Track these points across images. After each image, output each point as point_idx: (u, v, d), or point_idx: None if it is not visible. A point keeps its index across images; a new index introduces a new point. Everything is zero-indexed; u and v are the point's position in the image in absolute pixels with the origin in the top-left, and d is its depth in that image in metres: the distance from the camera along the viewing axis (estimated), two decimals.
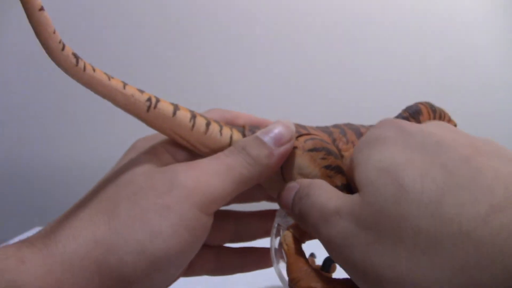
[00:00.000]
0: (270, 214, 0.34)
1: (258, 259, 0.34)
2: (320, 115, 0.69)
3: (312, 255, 0.37)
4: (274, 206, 0.33)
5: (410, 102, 0.35)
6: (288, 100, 0.80)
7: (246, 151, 0.25)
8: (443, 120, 0.35)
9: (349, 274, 0.20)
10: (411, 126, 0.22)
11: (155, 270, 0.22)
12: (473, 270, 0.15)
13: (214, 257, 0.33)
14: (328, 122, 0.32)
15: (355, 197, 0.20)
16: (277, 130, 0.26)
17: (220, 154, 0.26)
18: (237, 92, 0.81)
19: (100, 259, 0.22)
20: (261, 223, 0.34)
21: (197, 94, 0.80)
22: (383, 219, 0.18)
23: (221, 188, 0.24)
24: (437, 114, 0.35)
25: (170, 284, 0.26)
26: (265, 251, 0.34)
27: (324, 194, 0.22)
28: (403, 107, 0.35)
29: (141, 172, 0.25)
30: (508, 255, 0.15)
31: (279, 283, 0.29)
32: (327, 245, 0.21)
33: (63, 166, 0.84)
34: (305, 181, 0.25)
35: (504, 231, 0.15)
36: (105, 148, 0.81)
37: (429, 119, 0.34)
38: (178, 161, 0.27)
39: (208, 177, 0.24)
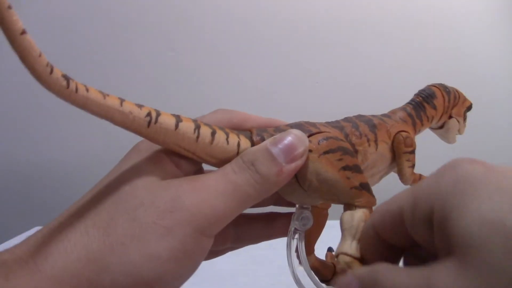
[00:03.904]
0: (274, 216, 0.32)
1: (286, 226, 0.31)
2: (326, 112, 0.72)
3: (330, 249, 0.36)
4: (280, 209, 0.32)
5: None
6: (292, 99, 0.81)
7: (255, 168, 0.24)
8: (458, 100, 0.34)
9: None
10: (489, 164, 0.19)
11: None
12: None
13: (233, 227, 0.31)
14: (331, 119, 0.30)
15: (447, 263, 0.17)
16: (287, 141, 0.24)
17: (228, 170, 0.24)
18: (240, 92, 0.81)
19: (93, 277, 0.20)
20: (263, 227, 0.32)
21: (200, 95, 0.81)
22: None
23: (226, 210, 0.23)
24: (452, 95, 0.33)
25: None
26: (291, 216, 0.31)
27: (398, 276, 0.18)
28: (403, 100, 0.33)
29: (143, 185, 0.23)
30: None
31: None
32: None
33: (63, 165, 0.83)
34: (363, 271, 0.21)
35: None
36: (104, 147, 0.81)
37: (444, 101, 0.33)
38: (182, 170, 0.25)
39: (213, 199, 0.23)
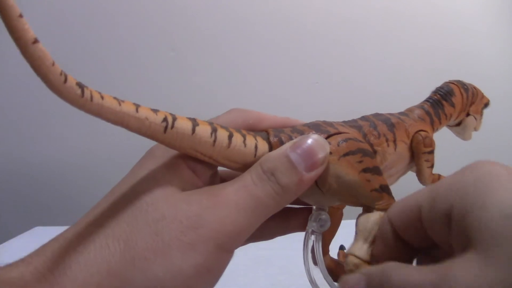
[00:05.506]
0: (288, 212, 0.31)
1: (301, 221, 0.31)
2: (326, 112, 0.70)
3: (342, 247, 0.36)
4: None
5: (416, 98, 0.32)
6: (292, 99, 0.80)
7: (276, 178, 0.23)
8: (476, 97, 0.33)
9: None
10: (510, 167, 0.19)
11: None
12: None
13: None
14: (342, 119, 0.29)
15: (468, 256, 0.16)
16: (306, 146, 0.24)
17: (248, 182, 0.23)
18: (240, 92, 0.81)
19: None
20: (278, 222, 0.31)
21: (200, 95, 0.80)
22: None
23: (248, 225, 0.23)
24: (470, 92, 0.33)
25: None
26: (306, 211, 0.31)
27: (409, 273, 0.18)
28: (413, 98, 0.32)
29: (163, 196, 0.23)
30: None
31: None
32: None
33: (64, 165, 0.83)
34: (371, 270, 0.20)
35: None
36: (104, 147, 0.80)
37: (462, 99, 0.32)
38: (199, 175, 0.25)
39: (236, 215, 0.22)
